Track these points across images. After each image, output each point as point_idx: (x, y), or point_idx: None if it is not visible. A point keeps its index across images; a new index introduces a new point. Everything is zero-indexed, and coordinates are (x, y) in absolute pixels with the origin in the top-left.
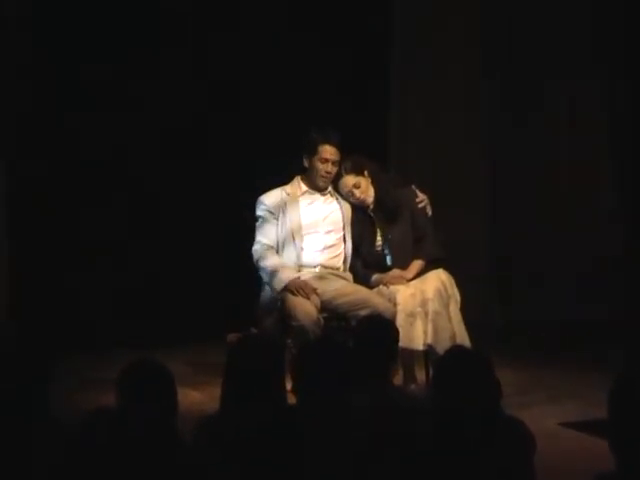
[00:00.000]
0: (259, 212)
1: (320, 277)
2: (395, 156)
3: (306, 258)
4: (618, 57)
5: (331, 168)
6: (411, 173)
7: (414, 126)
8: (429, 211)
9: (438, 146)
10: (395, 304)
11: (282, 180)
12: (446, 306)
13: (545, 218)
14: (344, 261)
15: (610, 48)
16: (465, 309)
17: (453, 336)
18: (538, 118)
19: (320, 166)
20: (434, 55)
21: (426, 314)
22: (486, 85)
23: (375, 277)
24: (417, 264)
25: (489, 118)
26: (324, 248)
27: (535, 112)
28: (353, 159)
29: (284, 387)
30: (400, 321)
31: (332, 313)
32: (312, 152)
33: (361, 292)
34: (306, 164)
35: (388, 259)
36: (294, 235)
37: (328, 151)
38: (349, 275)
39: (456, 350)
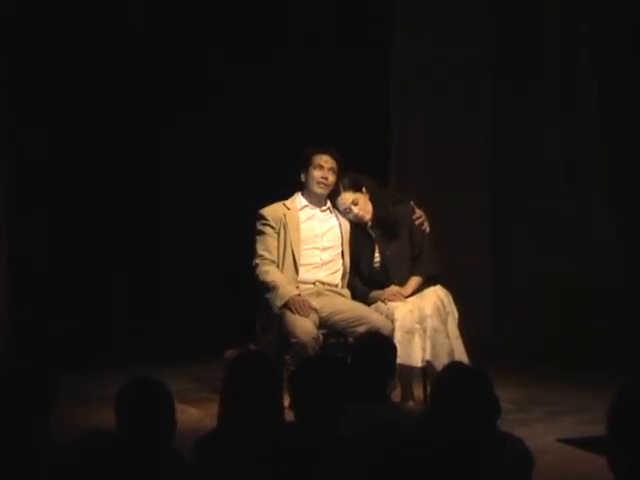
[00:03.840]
0: (259, 226)
1: (318, 294)
2: (395, 157)
3: (305, 274)
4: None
5: (327, 174)
6: (411, 175)
7: (414, 126)
8: (427, 227)
9: (438, 147)
10: (393, 321)
11: (280, 195)
12: (444, 322)
13: (546, 229)
14: (342, 277)
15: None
16: (464, 325)
17: (451, 352)
18: (539, 119)
19: (316, 173)
20: (434, 55)
21: (424, 330)
22: (486, 85)
23: (373, 294)
24: (415, 280)
25: (489, 119)
26: (322, 264)
27: (536, 113)
28: (351, 176)
29: (282, 404)
30: (398, 338)
31: (330, 330)
32: (307, 164)
33: (359, 309)
34: (303, 178)
35: (386, 276)
36: (293, 250)
37: (322, 158)
38: (347, 292)
39: (454, 367)
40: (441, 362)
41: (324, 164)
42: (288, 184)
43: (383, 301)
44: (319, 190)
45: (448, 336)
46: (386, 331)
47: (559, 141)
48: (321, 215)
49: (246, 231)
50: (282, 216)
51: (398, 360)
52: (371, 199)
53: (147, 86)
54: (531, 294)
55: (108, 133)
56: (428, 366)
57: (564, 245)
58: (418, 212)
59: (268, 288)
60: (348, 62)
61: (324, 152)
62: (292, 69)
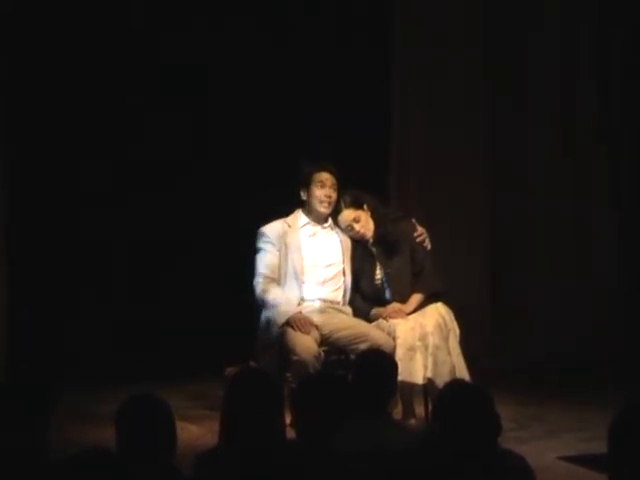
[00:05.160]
0: (260, 243)
1: (320, 311)
2: (395, 157)
3: (307, 292)
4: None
5: (329, 192)
6: (411, 175)
7: (414, 126)
8: (428, 245)
9: (438, 147)
10: (394, 338)
11: (281, 212)
12: (445, 340)
13: (546, 229)
14: (343, 295)
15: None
16: (465, 343)
17: (453, 370)
18: (539, 119)
19: (318, 192)
20: (434, 55)
21: (426, 348)
22: (486, 85)
23: (374, 311)
24: (416, 298)
25: (489, 119)
26: (324, 281)
27: (535, 113)
28: (352, 193)
29: (283, 421)
30: (400, 355)
31: (331, 347)
32: (308, 182)
33: (360, 326)
34: (304, 196)
35: (387, 293)
36: (295, 268)
37: (323, 176)
38: (348, 309)
39: (455, 384)
40: (442, 379)
41: (325, 182)
42: (287, 185)
43: (385, 318)
44: (322, 209)
45: (449, 353)
46: (387, 348)
47: (559, 141)
48: (322, 232)
49: (247, 248)
50: (283, 233)
51: (399, 377)
52: (372, 216)
53: (147, 86)
54: (530, 300)
55: (107, 133)
56: (429, 383)
57: (564, 245)
58: (419, 229)
59: (269, 306)
60: (348, 62)
61: (323, 170)
62: (292, 69)
